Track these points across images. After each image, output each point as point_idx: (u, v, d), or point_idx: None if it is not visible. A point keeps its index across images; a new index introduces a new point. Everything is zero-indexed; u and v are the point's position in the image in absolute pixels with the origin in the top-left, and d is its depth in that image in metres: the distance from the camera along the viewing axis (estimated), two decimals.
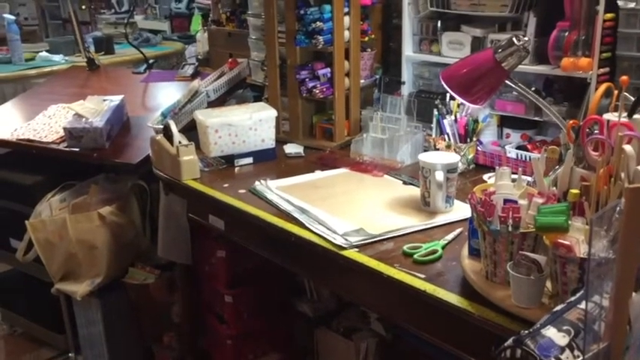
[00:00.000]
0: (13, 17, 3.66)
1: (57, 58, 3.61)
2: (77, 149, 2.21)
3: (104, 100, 2.39)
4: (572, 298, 0.84)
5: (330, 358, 2.09)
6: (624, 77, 1.12)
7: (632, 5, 1.55)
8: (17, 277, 2.62)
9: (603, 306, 0.72)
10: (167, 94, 2.68)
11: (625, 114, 1.08)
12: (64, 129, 2.22)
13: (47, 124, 2.43)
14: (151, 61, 3.23)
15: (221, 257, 1.96)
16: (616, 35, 1.60)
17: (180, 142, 1.82)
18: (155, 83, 2.90)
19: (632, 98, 1.12)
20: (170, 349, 2.37)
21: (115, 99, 2.41)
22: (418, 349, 1.72)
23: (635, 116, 1.08)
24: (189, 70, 2.89)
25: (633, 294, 0.69)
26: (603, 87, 1.19)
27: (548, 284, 1.04)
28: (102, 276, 2.19)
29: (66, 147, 2.23)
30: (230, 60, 2.43)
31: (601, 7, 1.57)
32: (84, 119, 2.23)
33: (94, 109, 2.30)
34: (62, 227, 2.14)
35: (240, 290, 1.99)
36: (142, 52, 3.27)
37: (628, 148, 0.99)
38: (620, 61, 1.61)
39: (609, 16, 1.58)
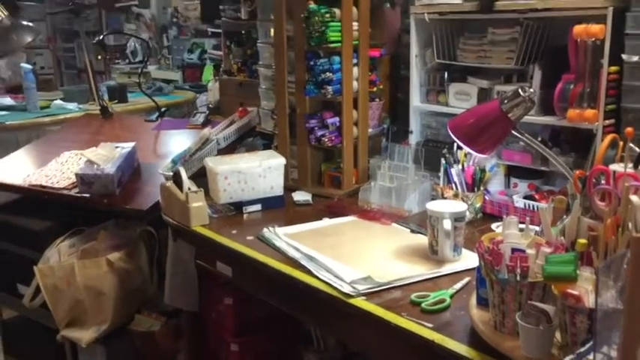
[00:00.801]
0: (30, 66, 3.76)
1: (71, 106, 3.68)
2: (88, 195, 2.23)
3: (116, 147, 2.43)
4: (582, 349, 0.83)
5: None
6: (629, 129, 1.13)
7: (635, 59, 1.58)
8: (23, 323, 2.61)
9: (612, 357, 0.72)
10: (178, 141, 2.72)
11: (631, 165, 1.09)
12: (76, 175, 2.25)
13: (59, 170, 2.47)
14: (163, 109, 3.29)
15: (228, 305, 1.95)
16: (621, 88, 1.63)
17: (189, 189, 1.84)
18: (167, 131, 2.94)
19: (638, 149, 1.13)
20: None
21: (127, 146, 2.45)
22: None
23: None
24: (200, 118, 2.94)
25: None
26: (609, 138, 1.20)
27: (558, 335, 1.03)
28: (108, 323, 2.17)
29: (77, 193, 2.26)
30: (240, 109, 2.47)
31: (605, 61, 1.60)
32: (95, 166, 2.27)
33: (105, 156, 2.33)
34: (70, 273, 2.14)
35: (247, 339, 1.97)
36: (154, 101, 3.33)
37: (635, 198, 0.99)
38: (625, 113, 1.63)
39: (614, 69, 1.61)
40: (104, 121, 3.20)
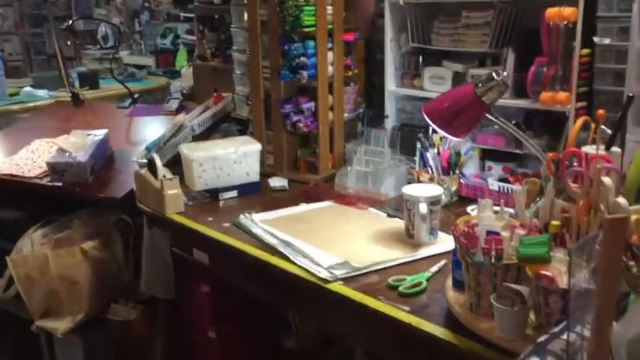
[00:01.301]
0: None
1: (41, 93, 3.60)
2: (60, 184, 2.20)
3: (88, 135, 2.39)
4: (555, 329, 0.84)
5: None
6: (601, 111, 1.15)
7: (607, 41, 1.60)
8: None
9: (585, 336, 0.73)
10: (152, 128, 2.69)
11: (602, 147, 1.10)
12: (47, 163, 2.21)
13: (30, 158, 2.42)
14: (135, 95, 3.24)
15: (205, 292, 1.94)
16: (593, 70, 1.64)
17: (164, 176, 1.82)
18: (140, 117, 2.90)
19: (610, 131, 1.14)
20: None
21: (100, 133, 2.41)
22: None
23: (613, 149, 1.11)
24: (173, 104, 2.91)
25: (614, 324, 0.70)
26: (581, 121, 1.22)
27: (532, 316, 1.04)
28: (83, 312, 2.15)
29: (49, 182, 2.22)
30: (215, 94, 2.45)
31: (577, 44, 1.62)
32: (67, 154, 2.23)
33: (77, 144, 2.29)
34: (43, 263, 2.11)
35: (225, 326, 1.97)
36: (126, 87, 3.28)
37: (606, 180, 1.01)
38: (597, 95, 1.65)
39: (586, 51, 1.63)
40: (75, 108, 3.14)
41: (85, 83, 3.74)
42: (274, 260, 1.49)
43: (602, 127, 1.12)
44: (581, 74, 1.63)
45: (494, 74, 1.39)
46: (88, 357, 2.23)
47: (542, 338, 0.83)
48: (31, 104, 3.43)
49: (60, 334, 2.14)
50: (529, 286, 1.02)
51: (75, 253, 2.11)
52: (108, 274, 2.21)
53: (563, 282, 0.96)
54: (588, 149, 1.12)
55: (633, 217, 0.85)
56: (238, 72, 2.46)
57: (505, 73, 1.42)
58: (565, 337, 0.79)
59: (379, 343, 1.34)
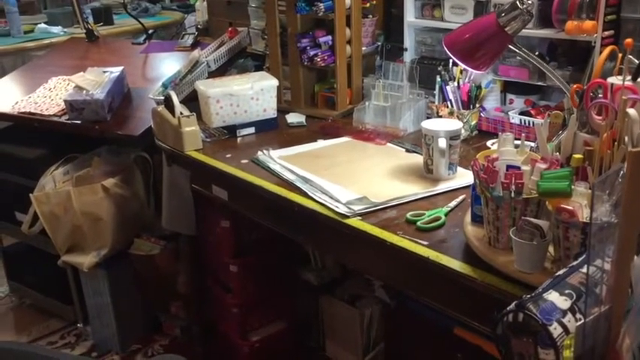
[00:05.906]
0: None
1: (56, 30, 3.57)
2: (79, 122, 2.21)
3: (104, 72, 2.38)
4: (575, 263, 0.84)
5: (335, 325, 2.11)
6: (628, 40, 1.10)
7: None
8: (24, 249, 2.64)
9: (605, 270, 0.73)
10: (167, 64, 2.66)
11: (629, 77, 1.07)
12: (65, 101, 2.21)
13: (48, 96, 2.42)
14: (150, 31, 3.20)
15: (225, 227, 1.97)
16: None
17: (181, 113, 1.81)
18: (155, 54, 2.87)
19: (637, 61, 1.10)
20: (177, 319, 2.40)
21: (115, 70, 2.40)
22: (422, 316, 1.74)
23: (639, 80, 1.07)
24: (189, 40, 2.86)
25: (635, 257, 0.69)
26: (607, 50, 1.17)
27: (551, 249, 1.04)
28: (107, 247, 2.21)
29: (67, 120, 2.23)
30: (230, 29, 2.40)
31: None
32: (84, 91, 2.22)
33: (94, 81, 2.28)
34: (66, 200, 2.15)
35: (245, 260, 2.01)
36: (140, 23, 3.23)
37: (632, 111, 0.98)
38: (625, 24, 1.59)
39: None
40: (90, 45, 3.12)
41: (99, 19, 3.69)
42: (293, 196, 1.50)
43: (629, 56, 1.08)
44: (608, 1, 1.57)
45: (518, 2, 1.34)
46: (113, 290, 2.30)
47: (561, 272, 0.83)
48: (47, 41, 3.41)
49: (85, 269, 2.20)
50: (549, 220, 1.02)
51: (97, 190, 2.15)
52: (130, 210, 2.25)
53: (583, 216, 0.95)
54: (614, 80, 1.09)
55: None
56: (253, 5, 2.40)
57: (530, 1, 1.37)
58: (584, 270, 0.79)
59: (397, 277, 1.35)
